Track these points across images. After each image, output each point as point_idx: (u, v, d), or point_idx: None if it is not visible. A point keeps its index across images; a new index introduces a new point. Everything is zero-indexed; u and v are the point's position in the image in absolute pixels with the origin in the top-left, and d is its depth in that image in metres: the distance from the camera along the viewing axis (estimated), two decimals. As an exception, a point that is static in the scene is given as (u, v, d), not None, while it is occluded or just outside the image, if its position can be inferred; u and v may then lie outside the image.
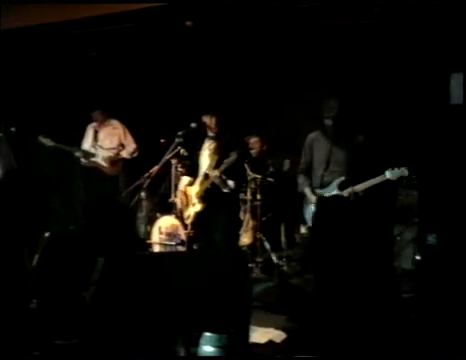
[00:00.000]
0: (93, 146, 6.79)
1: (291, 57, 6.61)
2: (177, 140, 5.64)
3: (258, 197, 6.19)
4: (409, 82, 5.65)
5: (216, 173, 5.54)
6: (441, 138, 5.00)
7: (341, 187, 4.79)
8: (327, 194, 4.85)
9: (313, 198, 4.94)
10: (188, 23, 5.98)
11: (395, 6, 5.35)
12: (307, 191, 5.03)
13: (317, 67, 6.48)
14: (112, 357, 2.49)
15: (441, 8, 4.92)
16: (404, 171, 4.67)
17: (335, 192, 4.79)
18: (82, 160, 6.76)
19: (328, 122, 4.84)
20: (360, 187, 4.72)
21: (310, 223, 5.07)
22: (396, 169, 4.66)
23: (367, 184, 4.70)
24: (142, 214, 6.31)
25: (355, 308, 4.46)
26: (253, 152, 6.67)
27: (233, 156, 5.49)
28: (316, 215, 4.87)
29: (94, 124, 6.86)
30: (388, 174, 4.66)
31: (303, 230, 6.22)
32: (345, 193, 4.74)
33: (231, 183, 5.58)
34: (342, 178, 4.81)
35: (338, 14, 5.74)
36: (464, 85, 4.93)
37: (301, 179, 5.13)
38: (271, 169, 6.51)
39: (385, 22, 5.65)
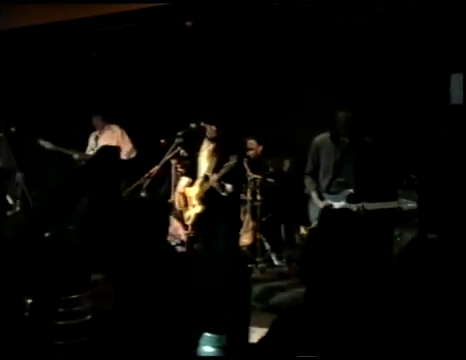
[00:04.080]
0: (92, 149, 6.87)
1: (291, 57, 6.60)
2: (177, 140, 5.63)
3: (258, 198, 6.18)
4: (409, 82, 5.65)
5: (215, 178, 5.51)
6: (441, 138, 4.99)
7: (349, 199, 4.77)
8: (335, 203, 4.81)
9: (320, 203, 4.91)
10: (188, 23, 5.99)
11: (395, 6, 5.35)
12: (314, 195, 4.97)
13: (317, 67, 6.48)
14: (112, 357, 2.49)
15: (441, 8, 4.92)
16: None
17: (343, 203, 4.76)
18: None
19: (344, 139, 4.81)
20: (371, 206, 4.70)
21: (314, 225, 5.05)
22: (409, 202, 4.71)
23: (379, 205, 4.70)
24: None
25: (354, 310, 4.45)
26: (251, 153, 6.65)
27: (233, 160, 5.41)
28: (322, 224, 4.87)
29: (96, 132, 6.95)
30: (401, 203, 4.71)
31: (303, 230, 6.21)
32: (354, 207, 4.72)
33: (229, 187, 5.50)
34: (351, 190, 4.78)
35: (338, 14, 5.74)
36: (464, 85, 4.92)
37: (308, 181, 5.07)
38: (271, 169, 6.51)
39: (385, 22, 5.65)
